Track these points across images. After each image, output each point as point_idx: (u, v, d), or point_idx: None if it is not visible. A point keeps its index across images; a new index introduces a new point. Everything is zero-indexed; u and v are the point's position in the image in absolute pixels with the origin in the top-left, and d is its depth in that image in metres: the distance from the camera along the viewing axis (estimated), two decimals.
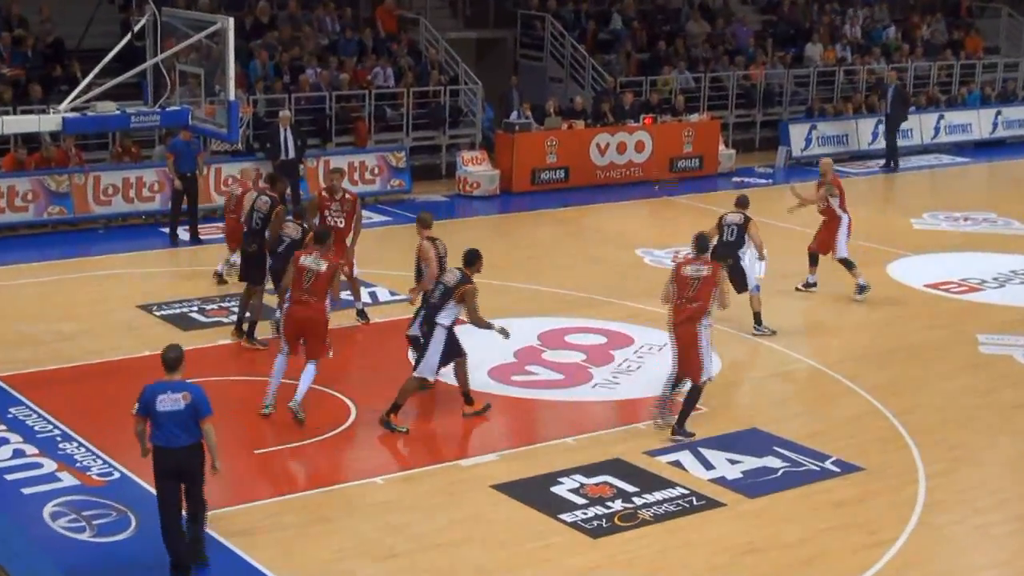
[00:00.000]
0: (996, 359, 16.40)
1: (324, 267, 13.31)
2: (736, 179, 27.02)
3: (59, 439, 13.03)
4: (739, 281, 16.84)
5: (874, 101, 31.90)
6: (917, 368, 16.05)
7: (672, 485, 12.34)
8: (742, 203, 17.17)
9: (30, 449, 12.80)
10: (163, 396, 10.12)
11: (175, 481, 10.27)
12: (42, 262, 20.16)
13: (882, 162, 30.17)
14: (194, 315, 17.31)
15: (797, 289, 18.83)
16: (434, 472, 12.74)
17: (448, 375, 14.75)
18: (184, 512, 10.37)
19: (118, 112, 15.08)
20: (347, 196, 17.01)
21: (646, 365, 15.77)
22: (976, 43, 36.78)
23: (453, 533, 11.41)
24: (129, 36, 16.01)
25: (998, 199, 26.65)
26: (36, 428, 13.30)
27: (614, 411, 14.52)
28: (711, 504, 12.01)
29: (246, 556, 10.83)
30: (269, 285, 15.87)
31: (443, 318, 13.46)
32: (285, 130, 22.65)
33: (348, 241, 16.87)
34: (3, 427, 13.31)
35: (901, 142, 30.35)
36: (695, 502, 12.02)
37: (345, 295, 16.91)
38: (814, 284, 18.91)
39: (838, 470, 12.84)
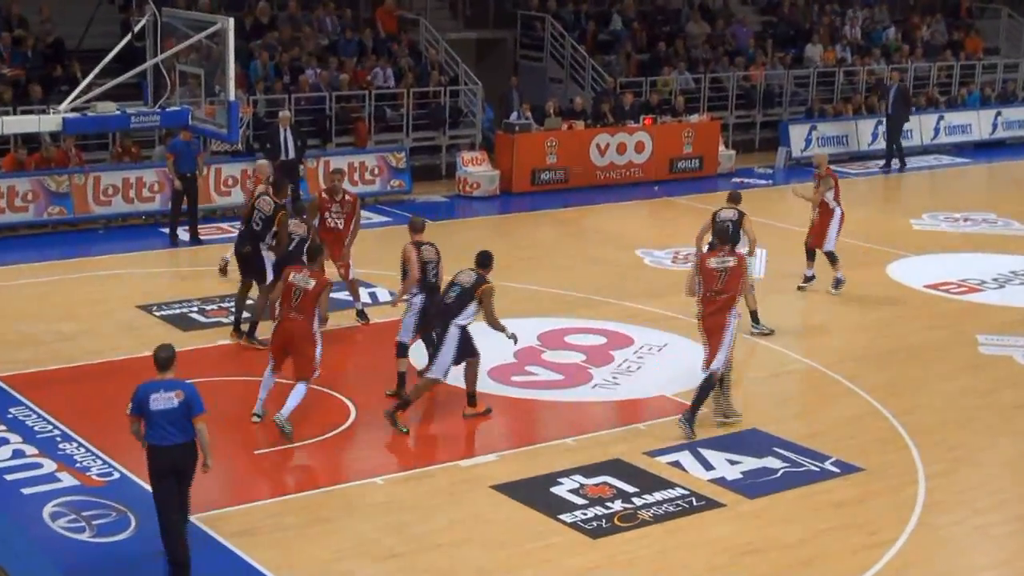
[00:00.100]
0: (996, 360, 16.41)
1: (312, 285, 13.01)
2: (736, 179, 27.02)
3: (59, 439, 13.03)
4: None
5: (874, 102, 31.91)
6: (917, 369, 16.06)
7: (672, 486, 12.34)
8: (735, 198, 17.20)
9: (30, 449, 12.80)
10: (156, 395, 10.17)
11: (171, 479, 10.30)
12: (42, 262, 20.16)
13: (882, 162, 30.19)
14: (194, 315, 17.31)
15: (799, 288, 18.84)
16: (434, 472, 12.74)
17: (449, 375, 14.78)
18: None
19: (118, 112, 15.09)
20: (347, 198, 16.98)
21: (646, 365, 15.77)
22: (976, 44, 36.79)
23: (453, 533, 11.41)
24: (129, 36, 16.02)
25: (998, 200, 26.65)
26: (36, 428, 13.30)
27: (614, 411, 14.52)
28: (711, 504, 12.01)
29: (246, 556, 10.83)
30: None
31: (462, 319, 13.50)
32: (285, 130, 22.63)
33: (346, 242, 16.84)
34: (3, 427, 13.31)
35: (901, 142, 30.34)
36: (695, 502, 12.03)
37: (344, 296, 16.94)
38: (812, 278, 18.98)
39: (838, 471, 12.84)
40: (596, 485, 12.32)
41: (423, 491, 12.29)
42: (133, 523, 11.23)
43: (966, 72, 35.24)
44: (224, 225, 22.34)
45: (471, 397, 13.96)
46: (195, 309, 17.56)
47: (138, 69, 15.53)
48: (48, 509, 11.54)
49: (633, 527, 11.51)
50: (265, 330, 15.70)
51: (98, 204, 22.18)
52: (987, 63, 36.03)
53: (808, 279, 18.99)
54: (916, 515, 11.91)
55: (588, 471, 12.61)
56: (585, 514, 11.72)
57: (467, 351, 13.71)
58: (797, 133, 30.12)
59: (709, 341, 13.65)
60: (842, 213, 18.88)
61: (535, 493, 12.14)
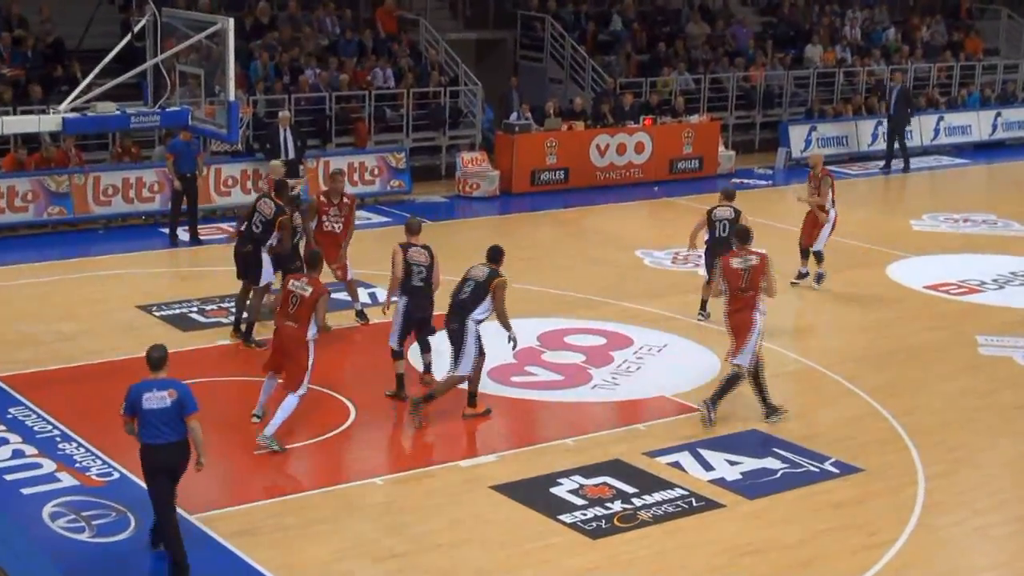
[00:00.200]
0: (996, 360, 16.41)
1: (309, 292, 12.91)
2: (736, 180, 26.97)
3: (58, 439, 13.03)
4: None
5: (873, 103, 31.92)
6: (917, 369, 16.06)
7: (671, 486, 12.35)
8: (729, 195, 17.22)
9: (29, 449, 12.80)
10: (148, 394, 10.24)
11: (165, 477, 10.35)
12: (42, 262, 20.16)
13: (882, 163, 30.19)
14: (193, 315, 17.31)
15: (792, 283, 18.85)
16: (434, 473, 12.74)
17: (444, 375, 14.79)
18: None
19: (118, 112, 15.09)
20: (345, 200, 16.93)
21: (645, 366, 15.78)
22: (976, 45, 36.80)
23: (453, 534, 11.41)
24: (129, 36, 16.02)
25: (998, 201, 26.64)
26: (36, 428, 13.30)
27: (613, 412, 14.52)
28: (710, 505, 12.01)
29: (245, 556, 10.83)
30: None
31: (478, 314, 13.56)
32: (285, 131, 22.65)
33: (343, 244, 16.83)
34: (3, 427, 13.30)
35: (899, 144, 30.30)
36: (694, 503, 12.03)
37: (343, 296, 16.94)
38: (806, 274, 19.05)
39: (837, 471, 12.85)
40: (596, 485, 12.32)
41: (423, 491, 12.29)
42: (133, 523, 11.23)
43: (966, 73, 35.24)
44: (224, 225, 22.32)
45: (472, 397, 13.97)
46: (195, 309, 17.57)
47: (138, 69, 15.53)
48: (48, 509, 11.53)
49: (633, 527, 11.52)
50: (263, 331, 15.75)
51: (98, 204, 22.18)
52: (987, 64, 36.03)
53: (801, 275, 19.06)
54: (916, 516, 11.91)
55: (588, 471, 12.61)
56: (585, 514, 11.72)
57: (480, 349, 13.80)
58: (797, 134, 30.12)
59: (735, 337, 13.82)
60: (835, 215, 18.93)
61: (535, 493, 12.14)
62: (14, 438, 13.05)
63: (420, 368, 14.80)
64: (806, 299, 18.79)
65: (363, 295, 17.52)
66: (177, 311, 17.45)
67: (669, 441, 13.42)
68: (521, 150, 25.89)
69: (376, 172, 24.98)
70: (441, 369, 14.89)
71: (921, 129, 31.83)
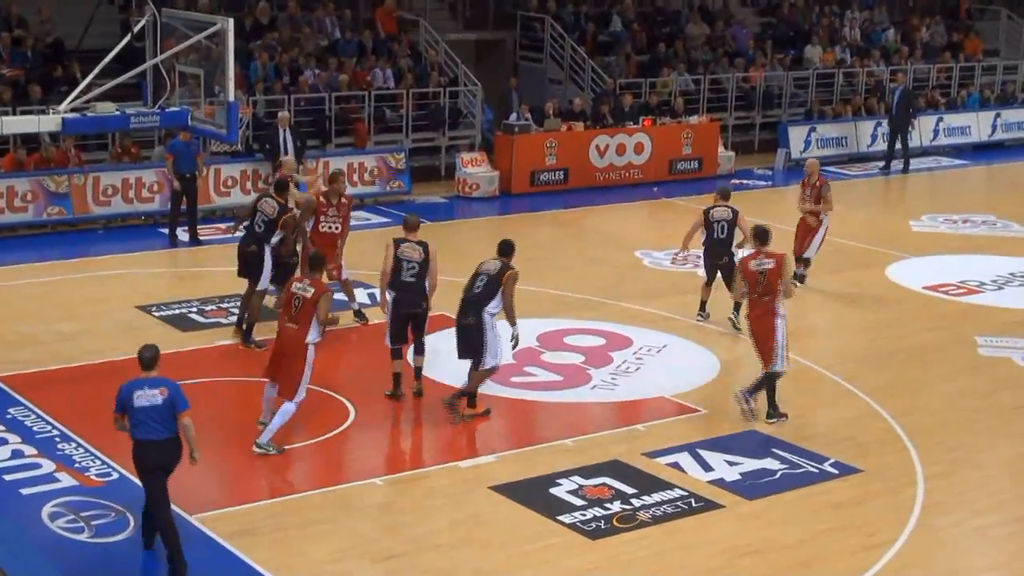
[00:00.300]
0: (995, 361, 16.41)
1: (311, 293, 12.83)
2: (735, 181, 26.98)
3: (58, 440, 13.03)
4: (731, 280, 16.87)
5: (873, 103, 31.93)
6: (916, 370, 16.06)
7: (671, 487, 12.35)
8: (725, 195, 17.22)
9: (29, 449, 12.80)
10: (140, 392, 10.32)
11: (159, 474, 10.42)
12: (41, 262, 20.17)
13: (882, 163, 30.19)
14: (193, 316, 17.31)
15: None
16: (433, 473, 12.74)
17: (446, 375, 14.79)
18: (147, 503, 10.61)
19: (118, 113, 15.10)
20: (343, 200, 16.93)
21: (645, 367, 15.78)
22: (975, 45, 36.80)
23: (452, 534, 11.41)
24: (129, 37, 16.02)
25: (997, 201, 26.64)
26: (35, 428, 13.30)
27: (613, 412, 14.52)
28: (710, 506, 12.02)
29: (245, 557, 10.83)
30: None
31: (492, 307, 13.59)
32: (284, 131, 22.66)
33: (339, 243, 16.83)
34: (2, 427, 13.30)
35: (899, 145, 30.28)
36: (694, 504, 12.03)
37: (341, 296, 16.92)
38: (804, 276, 19.02)
39: (837, 472, 12.85)
40: (595, 486, 12.32)
41: (422, 492, 12.29)
42: (132, 523, 11.23)
43: (965, 74, 35.24)
44: (223, 226, 22.30)
45: (471, 397, 13.97)
46: (194, 309, 17.57)
47: (138, 69, 15.54)
48: (47, 509, 11.54)
49: (632, 528, 11.52)
50: (263, 332, 15.76)
51: (97, 204, 22.19)
52: (986, 64, 36.03)
53: (800, 278, 19.05)
54: (915, 516, 11.91)
55: (587, 472, 12.61)
56: (584, 515, 11.72)
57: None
58: (796, 134, 30.13)
59: (761, 346, 13.91)
60: (828, 222, 18.95)
61: (534, 494, 12.14)
62: (13, 438, 13.05)
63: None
64: (806, 300, 18.78)
65: (362, 296, 17.52)
66: (176, 311, 17.45)
67: (668, 442, 13.43)
68: (521, 151, 25.89)
69: (376, 172, 24.98)
70: (443, 369, 14.93)
71: (920, 130, 31.81)
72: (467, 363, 13.94)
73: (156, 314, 17.31)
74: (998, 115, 33.70)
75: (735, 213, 16.85)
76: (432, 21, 29.46)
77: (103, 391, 14.12)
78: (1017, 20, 38.36)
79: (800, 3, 35.67)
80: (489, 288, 13.62)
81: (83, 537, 11.11)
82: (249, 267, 16.09)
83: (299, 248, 16.22)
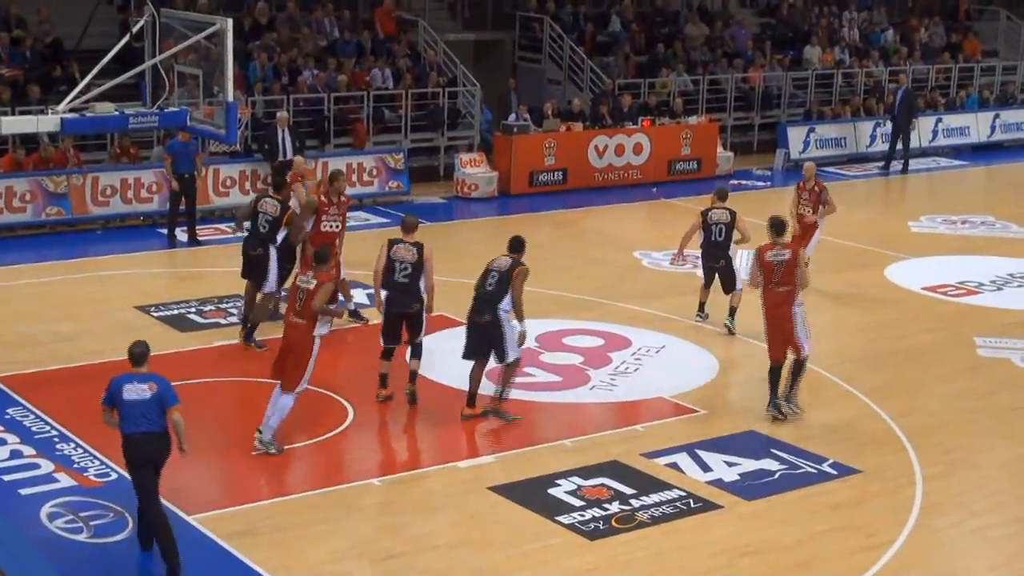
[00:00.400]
0: (994, 362, 16.42)
1: (313, 285, 12.82)
2: (734, 181, 27.01)
3: (57, 440, 13.03)
4: (728, 282, 16.89)
5: (872, 104, 31.93)
6: (915, 371, 16.07)
7: (669, 487, 12.35)
8: (723, 196, 17.20)
9: (28, 450, 12.80)
10: (129, 386, 10.43)
11: (148, 468, 10.47)
12: (40, 263, 20.16)
13: (881, 164, 30.20)
14: (192, 316, 17.31)
15: None
16: (432, 473, 12.74)
17: (445, 376, 14.79)
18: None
19: (116, 113, 15.11)
20: (343, 199, 16.97)
21: (644, 367, 15.78)
22: (974, 46, 36.80)
23: (451, 535, 11.42)
24: (128, 37, 16.04)
25: (996, 202, 26.64)
26: (34, 429, 13.30)
27: (612, 413, 14.52)
28: (708, 506, 12.02)
29: (243, 557, 10.83)
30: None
31: (506, 304, 13.63)
32: (283, 131, 22.66)
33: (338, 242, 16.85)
34: (1, 427, 13.30)
35: (900, 145, 30.28)
36: (692, 504, 12.03)
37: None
38: None
39: (835, 472, 12.85)
40: (594, 486, 12.32)
41: (421, 492, 12.29)
42: (130, 524, 11.22)
43: (964, 74, 35.25)
44: (222, 226, 22.33)
45: (472, 397, 13.97)
46: (193, 310, 17.56)
47: (137, 70, 15.55)
48: (46, 510, 11.54)
49: (630, 529, 11.52)
50: (262, 331, 15.77)
51: (96, 205, 22.18)
52: (985, 65, 36.03)
53: None
54: (914, 517, 11.92)
55: (586, 472, 12.61)
56: (583, 515, 11.72)
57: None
58: (795, 135, 30.12)
59: (782, 336, 14.02)
60: (823, 226, 18.96)
61: (533, 494, 12.14)
62: (12, 438, 13.05)
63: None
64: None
65: (360, 296, 17.51)
66: (175, 312, 17.45)
67: (667, 442, 13.43)
68: (519, 151, 25.89)
69: (374, 173, 24.97)
70: (442, 369, 14.93)
71: (919, 131, 31.83)
72: (469, 364, 13.95)
73: (155, 314, 17.30)
74: (997, 116, 33.71)
75: (733, 215, 16.84)
76: (431, 21, 29.46)
77: (102, 392, 14.17)
78: (1016, 21, 38.37)
79: (799, 4, 35.68)
80: (501, 285, 13.65)
81: (82, 537, 11.12)
82: (253, 270, 16.09)
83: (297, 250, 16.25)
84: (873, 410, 14.55)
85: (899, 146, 29.96)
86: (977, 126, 33.29)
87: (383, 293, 14.10)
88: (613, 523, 11.60)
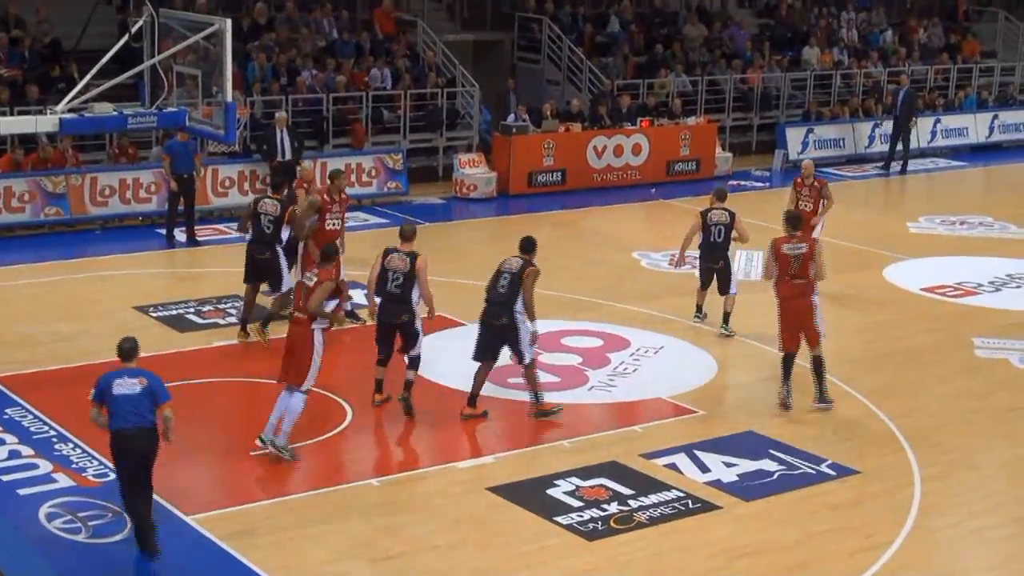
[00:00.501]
0: (992, 363, 16.42)
1: (313, 281, 12.83)
2: (733, 182, 27.01)
3: (55, 440, 13.03)
4: (724, 283, 16.88)
5: (871, 105, 31.94)
6: (913, 371, 16.07)
7: (668, 488, 12.35)
8: (722, 196, 17.18)
9: (26, 450, 12.80)
10: (119, 381, 10.49)
11: (133, 464, 10.54)
12: (39, 263, 20.16)
13: (881, 164, 30.21)
14: (190, 316, 17.31)
15: None
16: (430, 474, 12.74)
17: (444, 376, 14.79)
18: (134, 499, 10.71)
19: (115, 113, 15.11)
20: (343, 197, 17.03)
21: (642, 368, 15.78)
22: (973, 47, 36.81)
23: (449, 535, 11.42)
24: (126, 37, 16.03)
25: (994, 203, 26.65)
26: (32, 429, 13.30)
27: (610, 414, 14.52)
28: (707, 507, 12.02)
29: (242, 558, 10.83)
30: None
31: (520, 305, 13.66)
32: (282, 132, 22.66)
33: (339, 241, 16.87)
34: (0, 428, 13.33)
35: (900, 146, 30.27)
36: (691, 505, 12.03)
37: None
38: None
39: (834, 473, 12.85)
40: (592, 487, 12.32)
41: (419, 493, 12.29)
42: (128, 524, 11.20)
43: (963, 75, 35.26)
44: (221, 226, 22.34)
45: (473, 398, 13.96)
46: (191, 310, 17.56)
47: (135, 70, 15.55)
48: (44, 510, 11.53)
49: (629, 529, 11.52)
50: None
51: (95, 205, 22.18)
52: (984, 66, 36.04)
53: None
54: (912, 518, 11.92)
55: (584, 473, 12.61)
56: (581, 516, 11.72)
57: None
58: (794, 136, 30.12)
59: (801, 326, 14.23)
60: (823, 225, 18.98)
61: (531, 495, 12.14)
62: (11, 438, 13.04)
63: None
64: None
65: (359, 296, 17.50)
66: (174, 312, 17.45)
67: (666, 443, 13.43)
68: (518, 152, 25.89)
69: (373, 173, 24.97)
70: (441, 369, 14.92)
71: (918, 131, 31.83)
72: (469, 364, 13.95)
73: (153, 315, 17.30)
74: (996, 117, 33.72)
75: (732, 216, 16.83)
76: (430, 22, 29.46)
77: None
78: (1014, 22, 38.37)
79: (798, 4, 35.68)
80: (513, 286, 13.69)
81: (80, 537, 11.11)
82: (263, 274, 16.10)
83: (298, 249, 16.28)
84: (872, 411, 14.55)
85: (899, 147, 29.97)
86: (976, 127, 33.30)
87: (378, 301, 14.07)
88: (612, 524, 11.60)
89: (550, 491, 12.22)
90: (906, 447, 13.53)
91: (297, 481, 12.70)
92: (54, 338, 16.27)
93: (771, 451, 13.30)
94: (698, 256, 17.20)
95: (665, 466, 12.86)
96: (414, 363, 14.02)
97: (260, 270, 16.13)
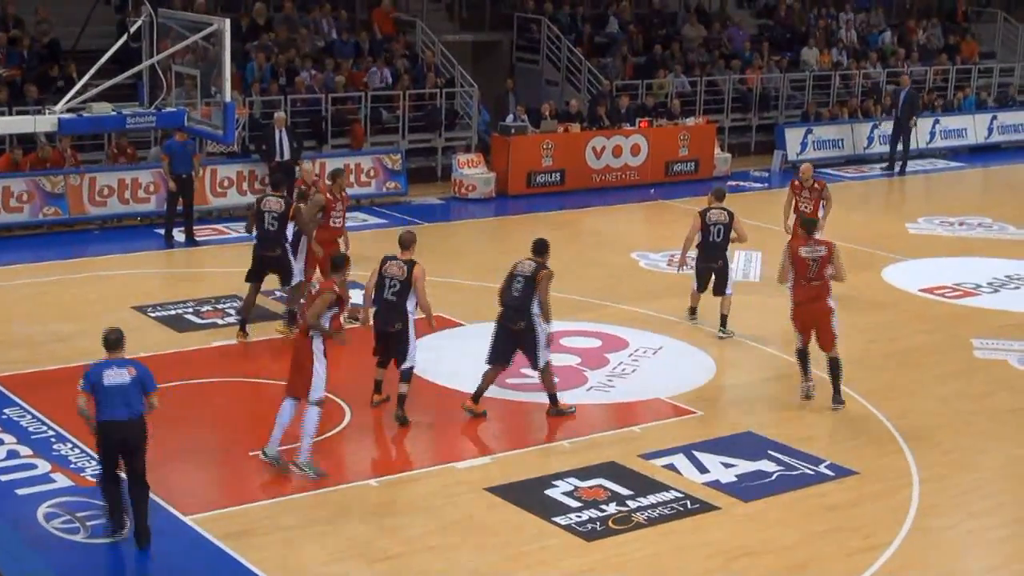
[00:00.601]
0: (990, 363, 16.42)
1: (315, 289, 12.83)
2: (731, 183, 27.01)
3: (53, 440, 13.02)
4: (721, 283, 16.86)
5: (869, 105, 31.94)
6: (912, 372, 16.07)
7: (666, 488, 12.34)
8: (720, 196, 17.16)
9: (24, 450, 12.79)
10: (109, 371, 10.57)
11: (119, 455, 10.66)
12: (37, 263, 20.15)
13: (883, 164, 30.20)
14: (189, 316, 17.30)
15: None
16: (429, 474, 12.73)
17: (443, 376, 14.79)
18: (128, 494, 10.82)
19: (114, 113, 15.09)
20: (343, 195, 17.10)
21: (641, 368, 15.78)
22: (972, 48, 36.81)
23: (447, 536, 11.41)
24: (125, 37, 16.01)
25: (993, 204, 26.66)
26: (31, 429, 13.30)
27: (609, 414, 14.52)
28: (705, 507, 12.01)
29: (241, 558, 10.82)
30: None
31: (535, 308, 13.72)
32: (281, 132, 22.65)
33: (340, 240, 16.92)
34: None
35: (899, 147, 30.27)
36: (689, 505, 12.03)
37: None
38: None
39: (832, 474, 12.85)
40: (590, 488, 12.31)
41: (418, 493, 12.29)
42: (127, 524, 11.20)
43: (962, 76, 35.27)
44: (220, 226, 22.34)
45: (478, 396, 13.96)
46: (190, 310, 17.56)
47: (134, 70, 15.53)
48: (42, 510, 11.53)
49: (627, 530, 11.52)
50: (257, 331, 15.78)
51: (93, 205, 22.18)
52: (983, 67, 36.05)
53: None
54: (911, 518, 11.91)
55: (583, 474, 12.61)
56: (579, 517, 11.72)
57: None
58: (793, 136, 30.13)
59: (818, 327, 14.38)
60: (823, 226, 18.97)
61: (530, 495, 12.13)
62: (9, 439, 13.04)
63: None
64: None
65: (358, 297, 17.49)
66: (173, 312, 17.45)
67: (664, 443, 13.43)
68: (517, 152, 25.89)
69: (372, 174, 24.97)
70: (440, 369, 14.92)
71: (917, 132, 31.84)
72: (469, 364, 13.95)
73: (152, 315, 17.30)
74: (994, 117, 33.73)
75: (731, 216, 16.82)
76: (429, 22, 29.46)
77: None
78: (1013, 23, 38.38)
79: (796, 5, 35.68)
80: (528, 289, 13.73)
81: (78, 538, 11.10)
82: (278, 271, 16.16)
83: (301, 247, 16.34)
84: (870, 411, 14.55)
85: (899, 147, 29.97)
86: (974, 128, 33.31)
87: (375, 309, 14.05)
88: (610, 524, 11.60)
89: (548, 492, 12.22)
90: (905, 448, 13.53)
91: (296, 482, 12.68)
92: (53, 338, 16.27)
93: (770, 452, 13.29)
94: (696, 256, 17.16)
95: (663, 467, 12.86)
96: (405, 376, 13.83)
97: (273, 269, 16.21)
